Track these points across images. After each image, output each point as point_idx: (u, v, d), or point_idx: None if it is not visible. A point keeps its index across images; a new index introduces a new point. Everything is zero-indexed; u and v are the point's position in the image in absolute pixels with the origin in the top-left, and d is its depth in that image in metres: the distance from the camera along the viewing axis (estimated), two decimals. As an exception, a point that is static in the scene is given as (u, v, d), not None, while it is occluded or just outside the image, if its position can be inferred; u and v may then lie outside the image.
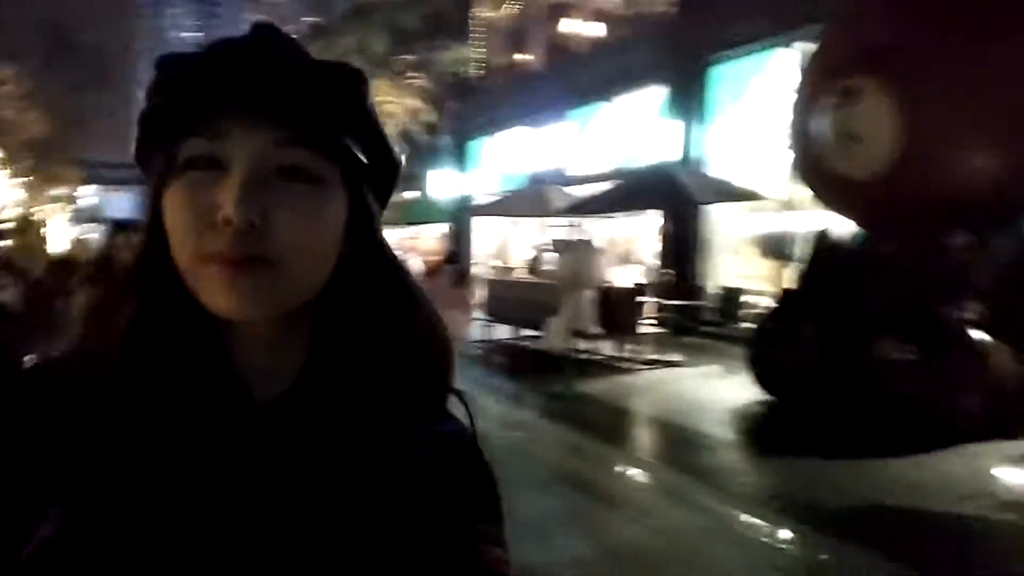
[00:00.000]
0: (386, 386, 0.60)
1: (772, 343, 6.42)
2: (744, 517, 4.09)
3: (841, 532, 3.75)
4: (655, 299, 10.56)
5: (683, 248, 11.31)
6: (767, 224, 10.25)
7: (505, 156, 16.66)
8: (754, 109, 10.13)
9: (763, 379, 6.52)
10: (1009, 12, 5.04)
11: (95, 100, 36.07)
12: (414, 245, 18.32)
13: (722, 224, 11.43)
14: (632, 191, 8.39)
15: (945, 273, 5.38)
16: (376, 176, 0.61)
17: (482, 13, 17.68)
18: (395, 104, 16.63)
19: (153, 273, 0.56)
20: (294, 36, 0.57)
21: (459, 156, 18.31)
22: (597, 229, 11.95)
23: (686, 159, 10.97)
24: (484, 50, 17.77)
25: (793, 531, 3.86)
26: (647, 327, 9.64)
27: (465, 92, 17.86)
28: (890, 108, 5.34)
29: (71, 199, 33.04)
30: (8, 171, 25.32)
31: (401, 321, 0.63)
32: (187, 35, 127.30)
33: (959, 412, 5.07)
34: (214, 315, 0.55)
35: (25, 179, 26.60)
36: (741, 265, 11.30)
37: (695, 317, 10.63)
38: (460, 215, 17.58)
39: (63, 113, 33.20)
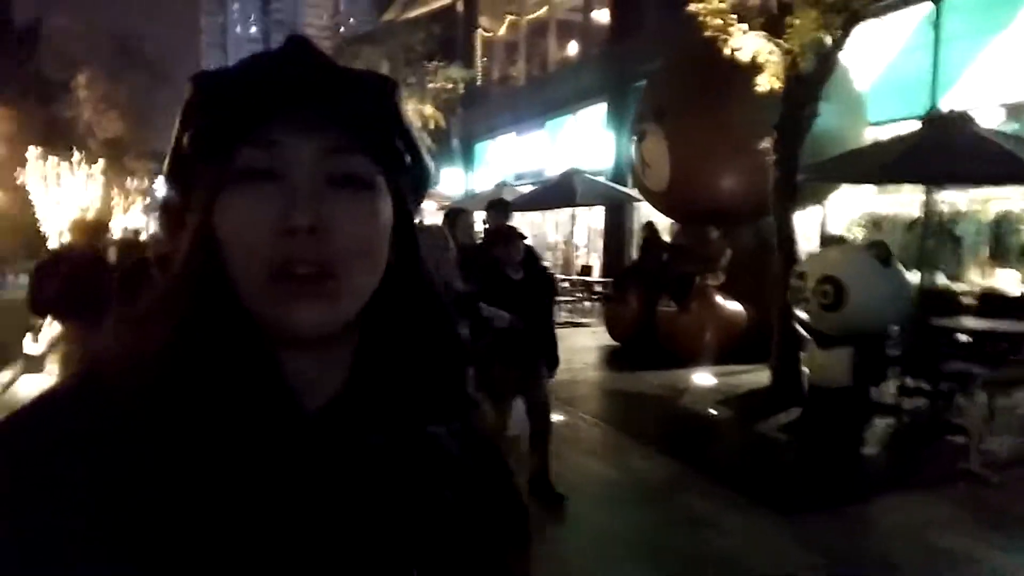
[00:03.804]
0: (423, 389, 0.62)
1: (613, 305, 9.19)
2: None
3: (600, 414, 6.42)
4: (585, 278, 13.46)
5: (618, 237, 14.05)
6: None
7: (499, 158, 19.51)
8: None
9: (610, 330, 9.29)
10: (734, 83, 7.61)
11: (163, 97, 39.31)
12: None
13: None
14: (541, 193, 11.18)
15: (704, 254, 8.07)
16: (413, 180, 0.62)
17: (485, 33, 20.50)
18: (412, 111, 19.54)
19: (203, 284, 0.55)
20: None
21: (466, 157, 21.24)
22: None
23: (617, 166, 13.67)
24: (484, 64, 20.60)
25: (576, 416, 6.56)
26: (576, 298, 12.58)
27: (470, 102, 20.71)
28: (663, 146, 8.05)
29: (145, 191, 36.81)
30: (87, 169, 29.09)
31: (436, 328, 0.64)
32: (251, 31, 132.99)
33: (697, 345, 7.77)
34: (265, 326, 0.54)
35: (103, 175, 30.45)
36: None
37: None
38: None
39: (134, 112, 37.08)
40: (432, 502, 0.60)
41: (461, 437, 0.65)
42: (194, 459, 0.51)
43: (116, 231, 19.35)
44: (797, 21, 5.56)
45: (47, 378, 5.56)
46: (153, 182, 39.37)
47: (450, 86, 19.20)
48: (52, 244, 19.27)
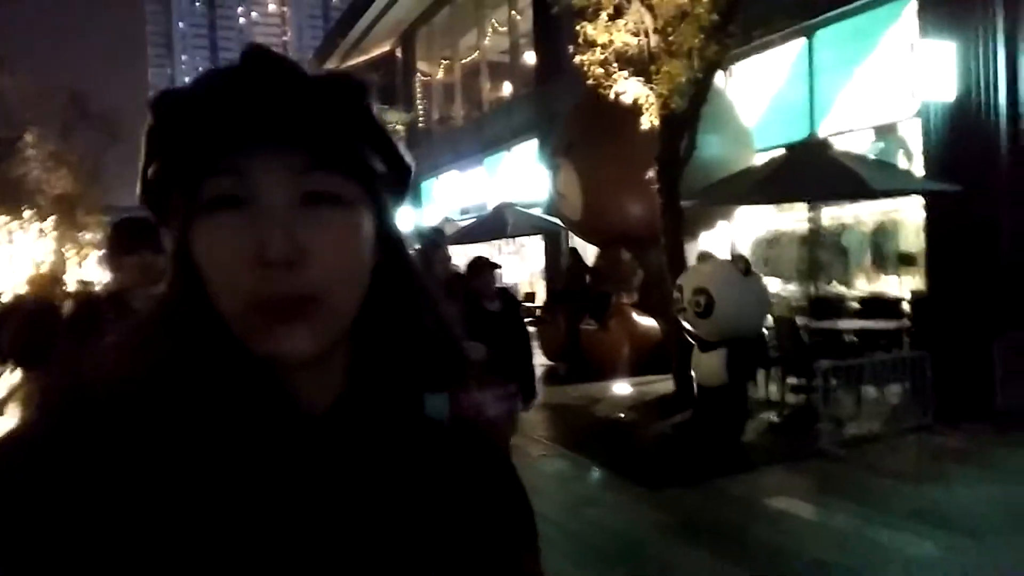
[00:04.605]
0: (420, 386, 0.63)
1: (545, 327, 9.90)
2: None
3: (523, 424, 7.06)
4: (529, 304, 14.22)
5: (556, 264, 14.85)
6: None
7: (444, 195, 20.31)
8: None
9: (543, 350, 9.98)
10: (633, 120, 8.45)
11: (113, 151, 39.31)
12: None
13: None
14: (476, 226, 11.99)
15: (617, 276, 8.84)
16: (392, 183, 0.61)
17: (423, 77, 21.41)
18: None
19: (188, 307, 0.55)
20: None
21: (413, 195, 22.00)
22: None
23: (550, 197, 14.52)
24: (424, 106, 21.48)
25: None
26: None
27: (414, 143, 21.51)
28: (574, 178, 8.86)
29: (99, 244, 36.71)
30: (39, 225, 29.15)
31: (428, 325, 0.64)
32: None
33: (616, 359, 8.50)
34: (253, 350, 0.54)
35: (55, 230, 30.50)
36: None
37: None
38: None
39: (85, 168, 37.05)
40: (442, 502, 0.60)
41: (467, 437, 0.65)
42: (201, 472, 0.51)
43: (71, 284, 19.54)
44: (665, 68, 6.39)
45: (5, 421, 6.03)
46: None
47: (395, 129, 20.01)
48: (5, 299, 19.37)
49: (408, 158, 0.62)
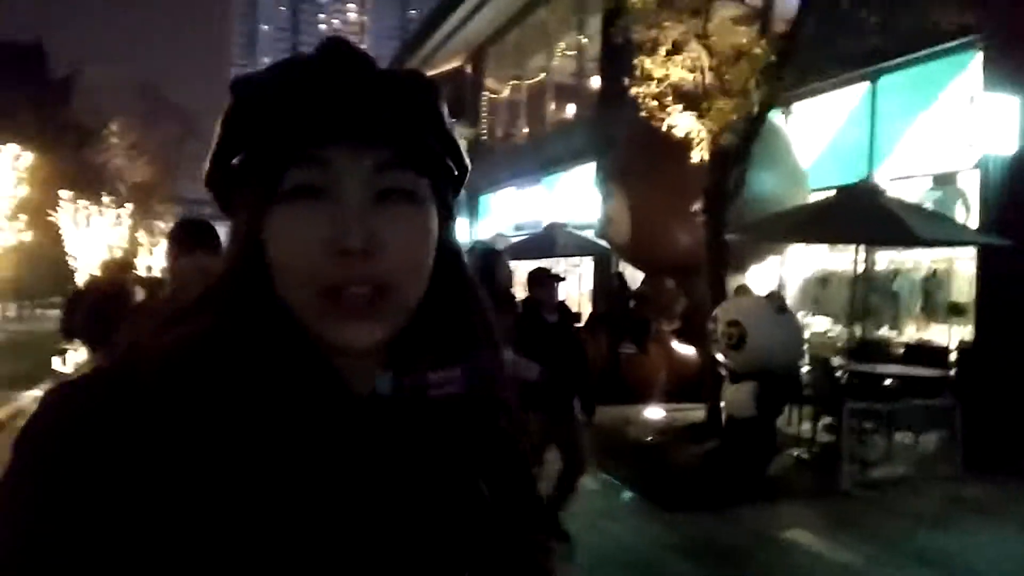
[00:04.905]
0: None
1: (585, 347, 10.06)
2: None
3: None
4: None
5: (604, 287, 14.99)
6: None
7: (501, 210, 20.70)
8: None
9: (582, 370, 10.16)
10: (683, 150, 8.60)
11: (191, 145, 41.08)
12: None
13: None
14: (525, 244, 12.27)
15: (660, 302, 8.97)
16: (455, 181, 0.64)
17: (490, 94, 21.91)
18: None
19: (248, 289, 0.56)
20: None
21: (471, 208, 22.44)
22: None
23: (601, 222, 14.70)
24: (489, 122, 21.97)
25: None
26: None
27: (476, 157, 22.00)
28: (625, 205, 9.04)
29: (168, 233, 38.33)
30: (116, 211, 30.66)
31: (478, 330, 0.65)
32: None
33: (655, 384, 8.61)
34: (315, 339, 0.56)
35: (130, 217, 32.06)
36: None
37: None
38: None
39: (163, 159, 38.81)
40: (470, 495, 0.61)
41: (493, 435, 0.66)
42: (245, 444, 0.51)
43: (142, 269, 20.49)
44: (717, 105, 6.54)
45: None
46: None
47: (473, 140, 20.56)
48: (80, 280, 20.46)
49: (467, 159, 0.65)
